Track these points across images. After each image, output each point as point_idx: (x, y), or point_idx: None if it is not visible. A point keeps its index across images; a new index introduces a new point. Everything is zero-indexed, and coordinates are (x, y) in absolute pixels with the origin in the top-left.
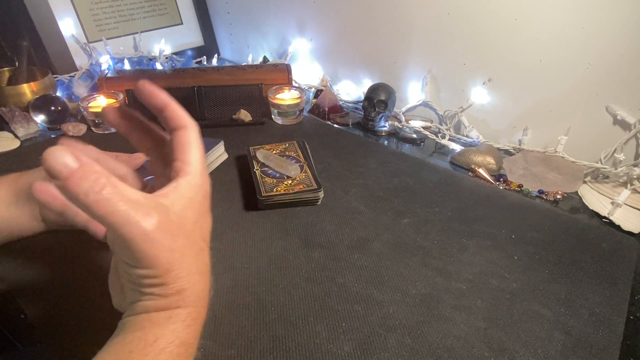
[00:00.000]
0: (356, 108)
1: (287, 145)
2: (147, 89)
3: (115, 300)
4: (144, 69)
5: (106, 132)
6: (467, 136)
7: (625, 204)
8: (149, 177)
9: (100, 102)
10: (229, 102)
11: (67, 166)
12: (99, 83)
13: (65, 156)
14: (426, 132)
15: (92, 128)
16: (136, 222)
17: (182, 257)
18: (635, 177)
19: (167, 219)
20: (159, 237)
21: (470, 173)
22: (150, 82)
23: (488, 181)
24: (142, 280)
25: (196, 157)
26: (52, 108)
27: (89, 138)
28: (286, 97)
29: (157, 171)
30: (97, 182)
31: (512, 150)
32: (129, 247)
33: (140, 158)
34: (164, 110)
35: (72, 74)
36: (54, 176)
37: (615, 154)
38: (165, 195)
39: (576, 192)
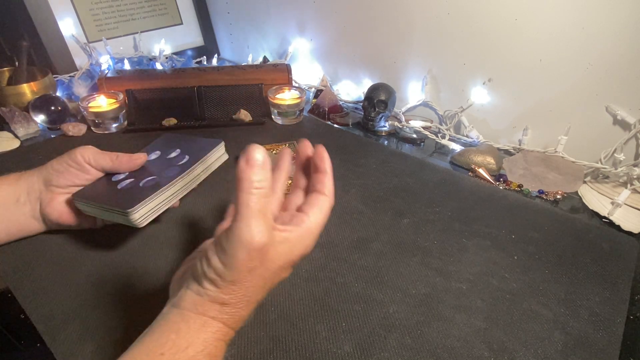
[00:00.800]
0: (356, 108)
1: (287, 145)
2: (321, 154)
3: (174, 277)
4: (144, 69)
5: (106, 132)
6: (467, 136)
7: (625, 204)
8: (149, 178)
9: (101, 102)
10: (229, 102)
11: (256, 159)
12: (99, 83)
13: (261, 154)
14: (426, 132)
15: (92, 128)
16: (253, 228)
17: (250, 282)
18: (635, 177)
19: (268, 249)
20: (254, 255)
21: (470, 173)
22: (322, 146)
23: (488, 181)
24: (211, 270)
25: (318, 220)
26: (52, 108)
27: (89, 138)
28: (286, 97)
29: (292, 202)
30: (260, 182)
31: (512, 150)
32: (230, 240)
33: (140, 159)
34: (321, 173)
35: (72, 74)
36: (246, 159)
37: (615, 154)
38: (281, 231)
39: (576, 192)
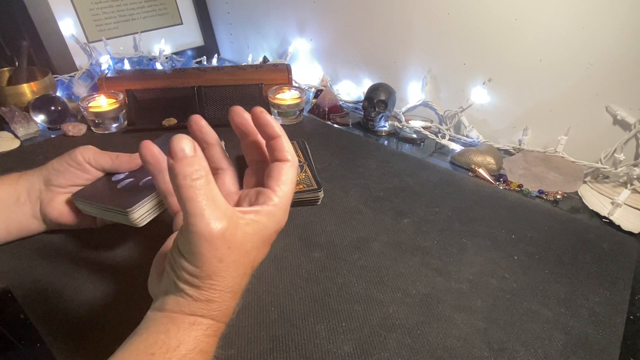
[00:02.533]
0: (356, 108)
1: None
2: (264, 118)
3: (151, 281)
4: (144, 69)
5: (106, 132)
6: (467, 136)
7: (625, 204)
8: (149, 177)
9: (101, 102)
10: (229, 102)
11: (184, 151)
12: (99, 83)
13: (187, 144)
14: (426, 132)
15: (92, 128)
16: (207, 219)
17: (226, 271)
18: (635, 177)
19: (233, 233)
20: (218, 243)
21: (470, 173)
22: (266, 111)
23: (488, 181)
24: (183, 273)
25: (285, 192)
26: (52, 108)
27: (89, 138)
28: (286, 97)
29: (248, 183)
30: (197, 172)
31: (512, 150)
32: (189, 238)
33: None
34: (273, 140)
35: (72, 74)
36: (172, 155)
37: (615, 154)
38: (245, 213)
39: (576, 192)
